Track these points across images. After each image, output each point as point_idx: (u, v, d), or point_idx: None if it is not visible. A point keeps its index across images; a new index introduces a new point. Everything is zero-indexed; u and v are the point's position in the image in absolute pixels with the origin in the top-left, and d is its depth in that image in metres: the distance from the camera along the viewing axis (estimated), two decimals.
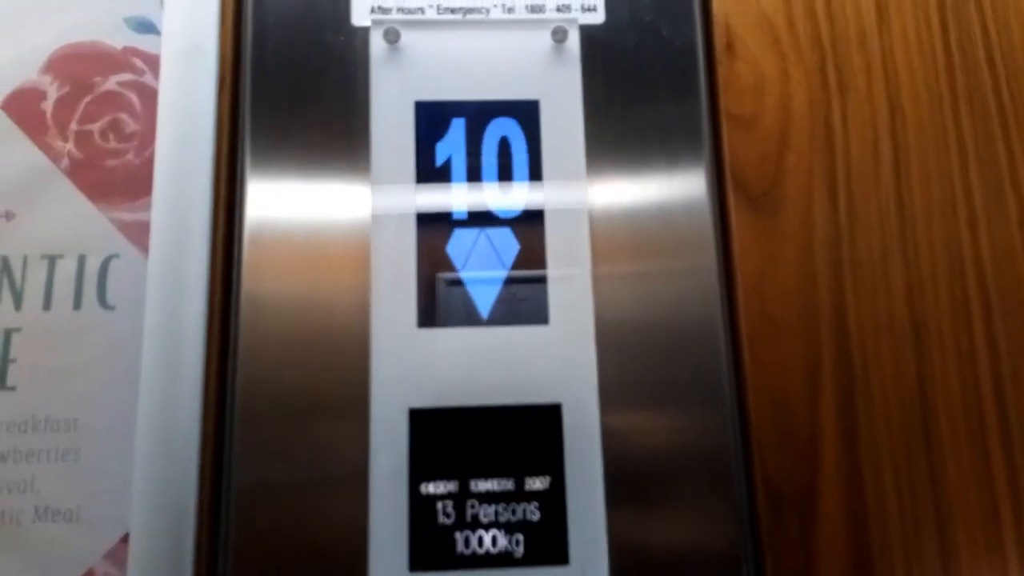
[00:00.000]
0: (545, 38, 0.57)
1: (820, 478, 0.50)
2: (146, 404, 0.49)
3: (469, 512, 0.49)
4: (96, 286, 0.53)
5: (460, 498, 0.49)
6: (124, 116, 0.56)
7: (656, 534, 0.50)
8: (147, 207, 0.54)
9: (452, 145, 0.56)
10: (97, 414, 0.50)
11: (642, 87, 0.57)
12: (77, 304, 0.52)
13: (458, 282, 0.54)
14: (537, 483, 0.50)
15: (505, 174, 0.55)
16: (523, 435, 0.50)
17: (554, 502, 0.49)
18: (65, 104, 0.56)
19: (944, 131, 0.57)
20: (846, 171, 0.56)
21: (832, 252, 0.54)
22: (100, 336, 0.52)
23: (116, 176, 0.55)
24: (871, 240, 0.55)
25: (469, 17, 0.58)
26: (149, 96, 0.56)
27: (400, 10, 0.57)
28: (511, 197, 0.55)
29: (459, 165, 0.55)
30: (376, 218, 0.53)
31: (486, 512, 0.49)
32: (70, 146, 0.55)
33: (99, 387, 0.51)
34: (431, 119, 0.56)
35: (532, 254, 0.54)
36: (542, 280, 0.53)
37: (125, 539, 0.47)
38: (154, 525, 0.48)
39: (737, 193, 0.55)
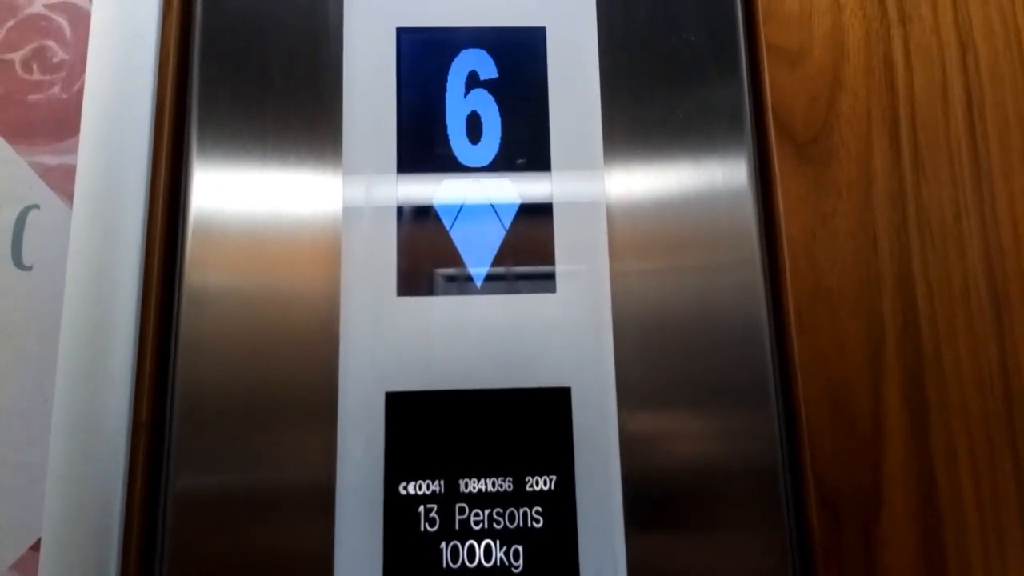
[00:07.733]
0: None
1: (884, 480, 0.43)
2: (65, 385, 0.42)
3: (458, 518, 0.42)
4: (11, 242, 0.45)
5: (447, 501, 0.42)
6: (51, 43, 0.48)
7: (685, 546, 0.42)
8: (74, 150, 0.46)
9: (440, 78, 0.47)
10: (5, 395, 0.42)
11: (667, 11, 0.48)
12: None
13: (447, 240, 0.45)
14: (541, 483, 0.43)
15: (508, 117, 0.47)
16: (524, 425, 0.43)
17: (561, 506, 0.43)
18: None
19: (1023, 68, 0.49)
20: (910, 116, 0.48)
21: (896, 210, 0.46)
22: (13, 301, 0.43)
23: (39, 113, 0.47)
24: (941, 196, 0.47)
25: None
26: (82, 21, 0.48)
27: None
28: (518, 143, 0.46)
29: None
30: (348, 177, 0.45)
31: (478, 518, 0.42)
32: None
33: (10, 363, 0.42)
34: (415, 50, 0.47)
35: (537, 208, 0.45)
36: (549, 238, 0.45)
37: (36, 547, 0.40)
38: (71, 531, 0.40)
39: (782, 139, 0.47)
